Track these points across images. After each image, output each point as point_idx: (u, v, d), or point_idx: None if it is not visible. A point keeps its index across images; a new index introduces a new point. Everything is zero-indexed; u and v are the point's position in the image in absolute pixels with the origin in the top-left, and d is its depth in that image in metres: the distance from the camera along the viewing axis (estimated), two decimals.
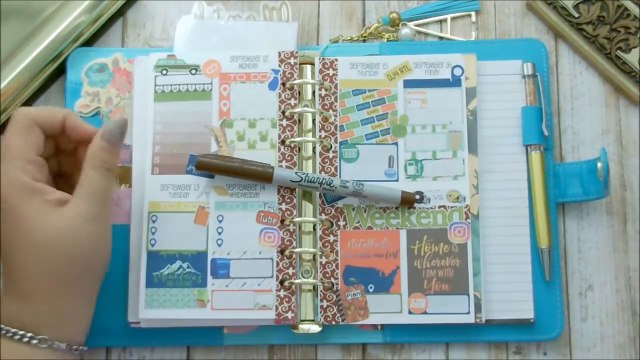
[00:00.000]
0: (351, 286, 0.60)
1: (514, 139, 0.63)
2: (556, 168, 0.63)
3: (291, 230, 0.60)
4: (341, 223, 0.61)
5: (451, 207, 0.61)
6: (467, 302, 0.60)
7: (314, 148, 0.62)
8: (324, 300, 0.60)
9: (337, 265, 0.60)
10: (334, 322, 0.60)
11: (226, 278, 0.59)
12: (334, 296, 0.60)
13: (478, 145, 0.62)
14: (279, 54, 0.63)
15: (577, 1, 0.66)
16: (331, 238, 0.61)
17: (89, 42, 0.66)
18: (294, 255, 0.60)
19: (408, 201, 0.61)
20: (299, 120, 0.62)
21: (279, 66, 0.63)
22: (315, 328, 0.60)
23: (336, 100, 0.63)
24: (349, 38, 0.67)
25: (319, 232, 0.61)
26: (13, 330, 0.51)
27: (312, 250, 0.60)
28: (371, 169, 0.62)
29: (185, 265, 0.60)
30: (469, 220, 0.61)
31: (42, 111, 0.56)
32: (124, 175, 0.62)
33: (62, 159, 0.59)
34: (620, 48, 0.65)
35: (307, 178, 0.60)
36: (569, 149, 0.65)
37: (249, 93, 0.62)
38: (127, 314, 0.60)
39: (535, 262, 0.61)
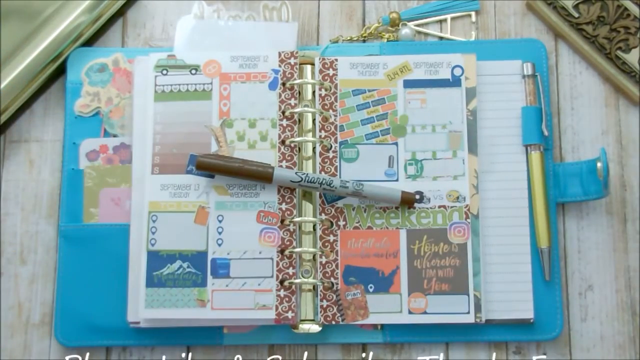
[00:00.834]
0: (351, 286, 0.60)
1: (514, 139, 0.63)
2: (556, 168, 0.63)
3: (291, 230, 0.60)
4: (341, 223, 0.61)
5: (451, 207, 0.61)
6: (467, 302, 0.60)
7: (314, 148, 0.62)
8: (324, 300, 0.60)
9: (337, 265, 0.60)
10: (334, 322, 0.60)
11: (226, 278, 0.60)
12: (334, 296, 0.60)
13: (478, 145, 0.62)
14: (279, 54, 0.63)
15: (577, 1, 0.66)
16: (331, 238, 0.61)
17: (89, 42, 0.66)
18: (294, 255, 0.60)
19: (408, 201, 0.61)
20: (299, 120, 0.62)
21: (279, 66, 0.63)
22: (315, 328, 0.60)
23: (336, 100, 0.63)
24: (349, 38, 0.67)
25: (319, 232, 0.61)
26: None
27: (312, 250, 0.60)
28: (371, 169, 0.62)
29: (185, 265, 0.60)
30: (468, 220, 0.61)
31: None
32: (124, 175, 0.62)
33: None
34: (620, 48, 0.65)
35: (307, 178, 0.60)
36: (568, 149, 0.65)
37: (249, 93, 0.62)
38: (127, 314, 0.60)
39: (535, 262, 0.61)
